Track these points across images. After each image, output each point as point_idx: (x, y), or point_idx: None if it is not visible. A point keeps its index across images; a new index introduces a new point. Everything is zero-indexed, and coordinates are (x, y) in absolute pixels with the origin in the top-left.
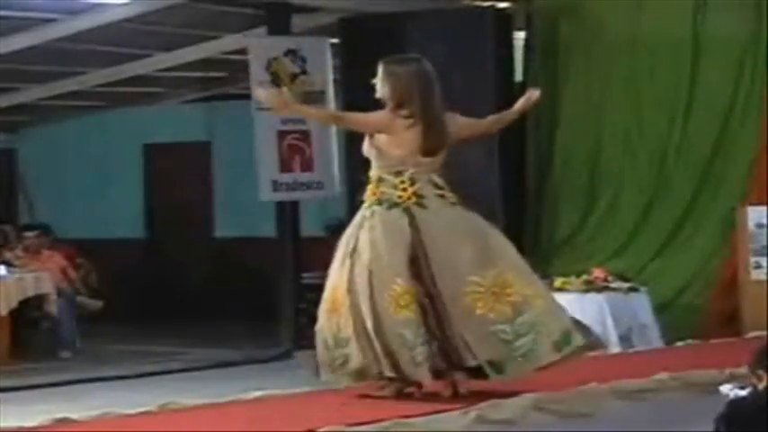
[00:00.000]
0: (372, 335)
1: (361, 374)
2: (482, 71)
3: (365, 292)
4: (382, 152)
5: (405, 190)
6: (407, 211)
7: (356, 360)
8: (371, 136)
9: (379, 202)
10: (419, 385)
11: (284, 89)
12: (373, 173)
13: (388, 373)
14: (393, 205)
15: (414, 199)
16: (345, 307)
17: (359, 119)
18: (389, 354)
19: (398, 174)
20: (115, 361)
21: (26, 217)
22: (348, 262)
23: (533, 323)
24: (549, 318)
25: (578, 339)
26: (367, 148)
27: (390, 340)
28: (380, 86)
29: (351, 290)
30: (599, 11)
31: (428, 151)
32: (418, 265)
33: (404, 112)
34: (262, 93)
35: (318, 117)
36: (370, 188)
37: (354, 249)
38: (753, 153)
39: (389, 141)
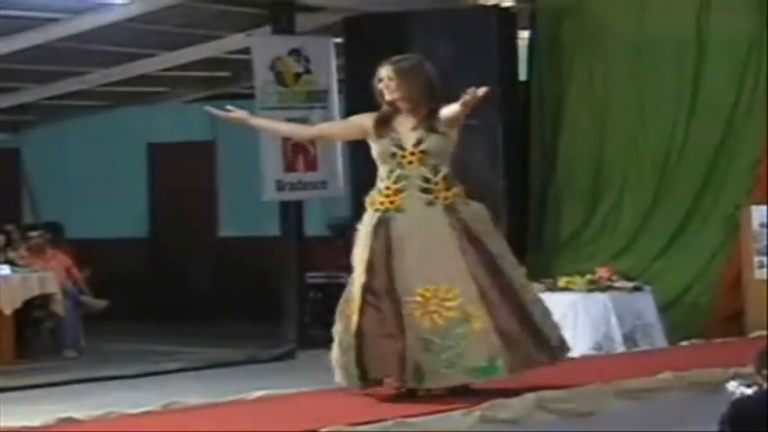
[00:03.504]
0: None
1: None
2: (486, 70)
3: None
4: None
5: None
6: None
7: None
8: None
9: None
10: None
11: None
12: (448, 172)
13: None
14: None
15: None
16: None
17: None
18: None
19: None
20: (119, 360)
21: (30, 216)
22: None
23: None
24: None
25: (501, 369)
26: (446, 146)
27: None
28: (408, 85)
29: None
30: (603, 11)
31: None
32: None
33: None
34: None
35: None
36: (448, 187)
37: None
38: (756, 153)
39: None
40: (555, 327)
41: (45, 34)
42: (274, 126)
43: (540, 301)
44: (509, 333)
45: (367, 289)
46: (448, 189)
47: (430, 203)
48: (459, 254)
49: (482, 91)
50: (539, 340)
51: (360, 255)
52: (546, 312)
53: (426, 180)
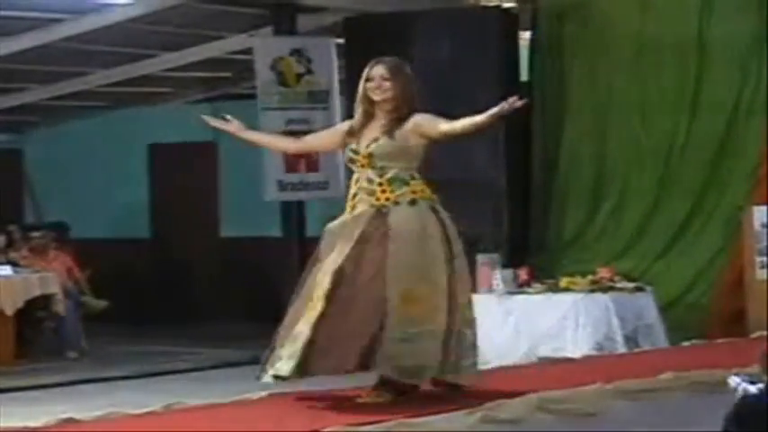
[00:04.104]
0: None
1: None
2: (487, 71)
3: None
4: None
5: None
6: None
7: None
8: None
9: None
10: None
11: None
12: (396, 174)
13: None
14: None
15: None
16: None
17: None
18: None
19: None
20: (120, 361)
21: (31, 217)
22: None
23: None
24: (296, 339)
25: (284, 371)
26: (400, 151)
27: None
28: (400, 86)
29: None
30: (604, 11)
31: None
32: None
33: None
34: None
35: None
36: (393, 189)
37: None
38: (757, 153)
39: None
40: (411, 354)
41: (47, 35)
42: (259, 139)
43: (420, 324)
44: (322, 337)
45: None
46: (393, 191)
47: (372, 205)
48: (344, 253)
49: (519, 103)
50: (361, 352)
51: None
52: (417, 336)
53: (370, 181)
